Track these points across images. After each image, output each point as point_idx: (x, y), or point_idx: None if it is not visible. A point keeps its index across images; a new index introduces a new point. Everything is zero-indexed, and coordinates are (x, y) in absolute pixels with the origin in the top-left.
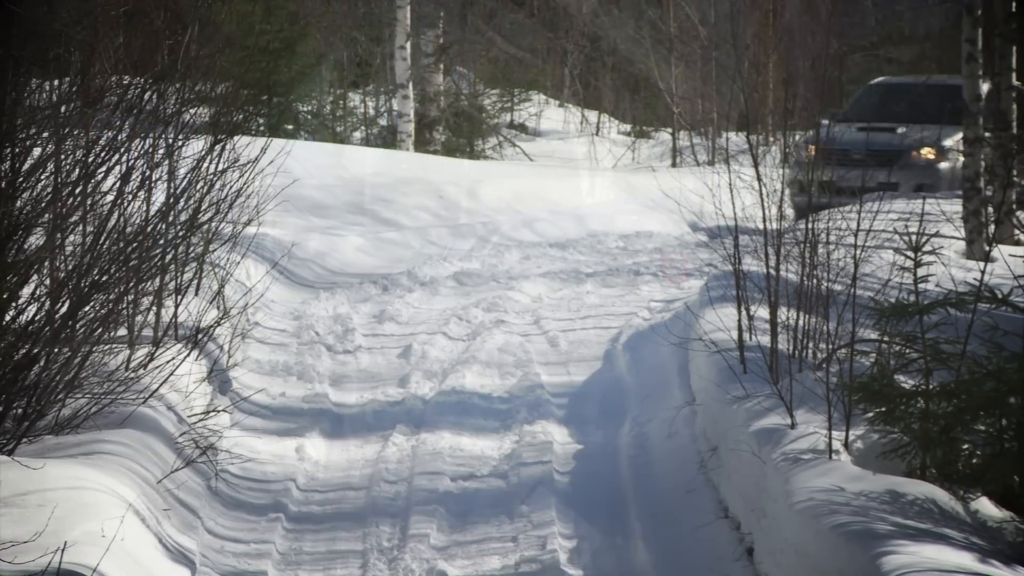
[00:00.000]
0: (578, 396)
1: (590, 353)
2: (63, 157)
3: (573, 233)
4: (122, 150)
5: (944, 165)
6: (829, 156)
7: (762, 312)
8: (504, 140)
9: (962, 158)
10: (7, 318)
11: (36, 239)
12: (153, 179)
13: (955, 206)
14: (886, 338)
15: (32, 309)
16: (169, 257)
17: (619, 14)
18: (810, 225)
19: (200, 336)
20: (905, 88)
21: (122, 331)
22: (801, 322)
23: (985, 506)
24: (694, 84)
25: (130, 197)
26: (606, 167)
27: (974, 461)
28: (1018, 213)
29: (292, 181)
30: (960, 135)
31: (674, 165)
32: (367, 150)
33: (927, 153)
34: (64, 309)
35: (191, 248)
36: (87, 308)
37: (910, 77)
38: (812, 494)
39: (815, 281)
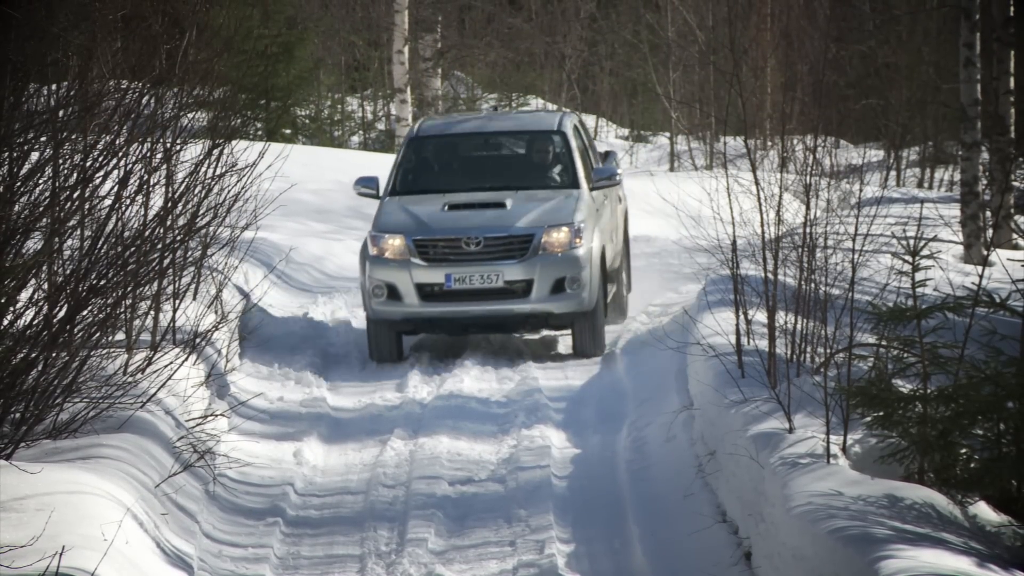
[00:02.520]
0: (576, 400)
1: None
2: (61, 161)
3: None
4: (120, 154)
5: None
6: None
7: (760, 316)
8: None
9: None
10: (5, 322)
11: (34, 243)
12: (151, 183)
13: (953, 210)
14: (884, 342)
15: (30, 313)
16: (167, 261)
17: (617, 18)
18: (808, 229)
19: (198, 340)
20: (471, 137)
21: (120, 335)
22: (799, 326)
23: (983, 510)
24: (692, 89)
25: (128, 201)
26: None
27: (972, 465)
28: (1016, 217)
29: (290, 185)
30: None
31: (672, 169)
32: (365, 154)
33: (563, 239)
34: (62, 313)
35: (189, 252)
36: (85, 312)
37: (464, 117)
38: (810, 498)
39: (813, 285)
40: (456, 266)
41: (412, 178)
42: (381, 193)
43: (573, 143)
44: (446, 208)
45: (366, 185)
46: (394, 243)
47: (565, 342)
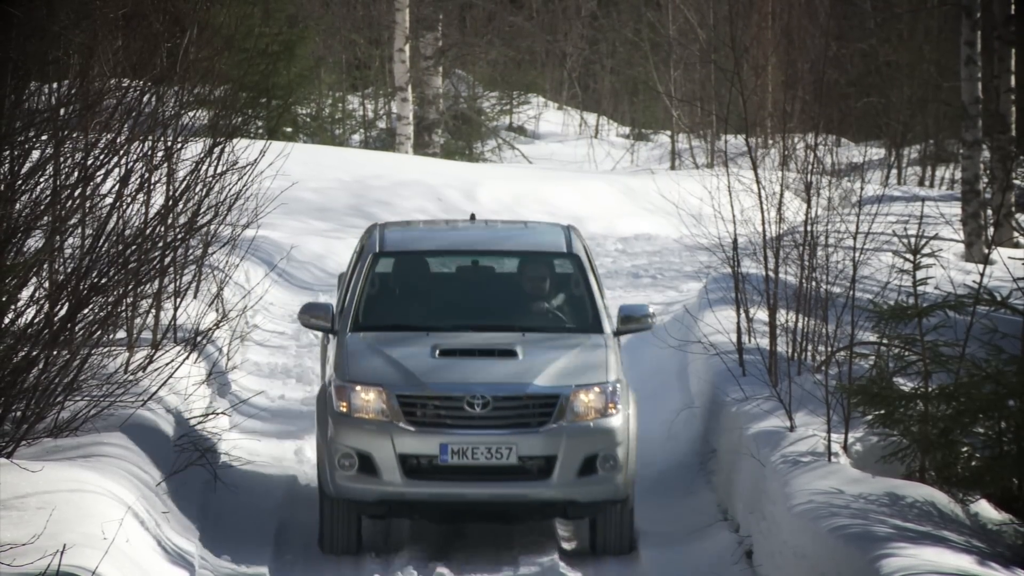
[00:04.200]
0: None
1: None
2: (62, 160)
3: None
4: (121, 153)
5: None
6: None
7: (761, 314)
8: (503, 143)
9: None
10: (6, 321)
11: (35, 241)
12: (152, 182)
13: (954, 208)
14: (885, 341)
15: (31, 312)
16: (168, 260)
17: (618, 16)
18: (809, 227)
19: (199, 339)
20: (456, 256)
21: (121, 334)
22: (800, 324)
23: (984, 508)
24: (693, 87)
25: (129, 200)
26: (605, 170)
27: (973, 464)
28: (1017, 216)
29: (291, 184)
30: None
31: (673, 168)
32: (366, 152)
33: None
34: (63, 312)
35: (190, 251)
36: (86, 311)
37: (435, 227)
38: (811, 496)
39: (814, 283)
40: (455, 434)
41: (381, 309)
42: (337, 325)
43: (590, 271)
44: (438, 354)
45: (316, 314)
46: (370, 398)
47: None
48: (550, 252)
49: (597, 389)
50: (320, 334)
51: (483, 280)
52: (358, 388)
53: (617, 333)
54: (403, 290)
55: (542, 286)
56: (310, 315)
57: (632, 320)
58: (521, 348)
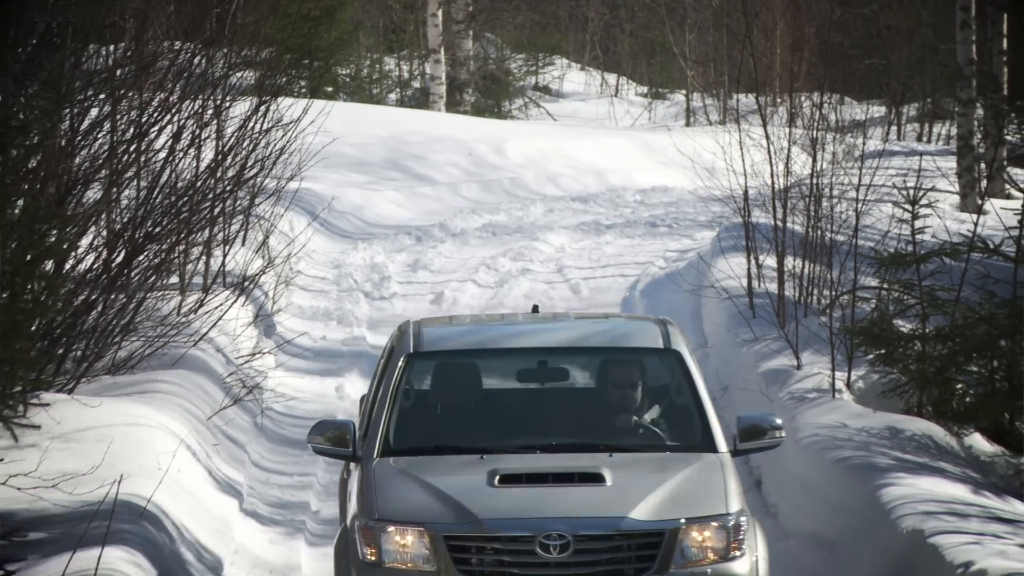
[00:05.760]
0: None
1: (609, 299)
2: (118, 117)
3: (593, 188)
4: (173, 111)
5: None
6: None
7: (770, 261)
8: (529, 101)
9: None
10: (67, 267)
11: (94, 193)
12: (202, 138)
13: (950, 162)
14: (885, 285)
15: (90, 258)
16: (217, 210)
17: None
18: (815, 180)
19: (246, 283)
20: (515, 355)
21: (174, 279)
22: (806, 270)
23: (978, 441)
24: (706, 49)
25: (181, 154)
26: (624, 126)
27: (967, 400)
28: (1008, 169)
29: (332, 140)
30: None
31: (688, 124)
32: (402, 110)
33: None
34: (120, 258)
35: (238, 202)
36: (141, 257)
37: (480, 324)
38: (817, 430)
39: (819, 232)
40: None
41: (419, 427)
42: (360, 450)
43: (696, 373)
44: (497, 481)
45: (331, 435)
46: (408, 542)
47: (588, 286)
48: (643, 349)
49: (715, 524)
50: (356, 280)
51: (553, 388)
52: (391, 529)
53: (736, 452)
54: (447, 402)
55: (633, 394)
56: (322, 436)
57: (757, 434)
58: (609, 471)
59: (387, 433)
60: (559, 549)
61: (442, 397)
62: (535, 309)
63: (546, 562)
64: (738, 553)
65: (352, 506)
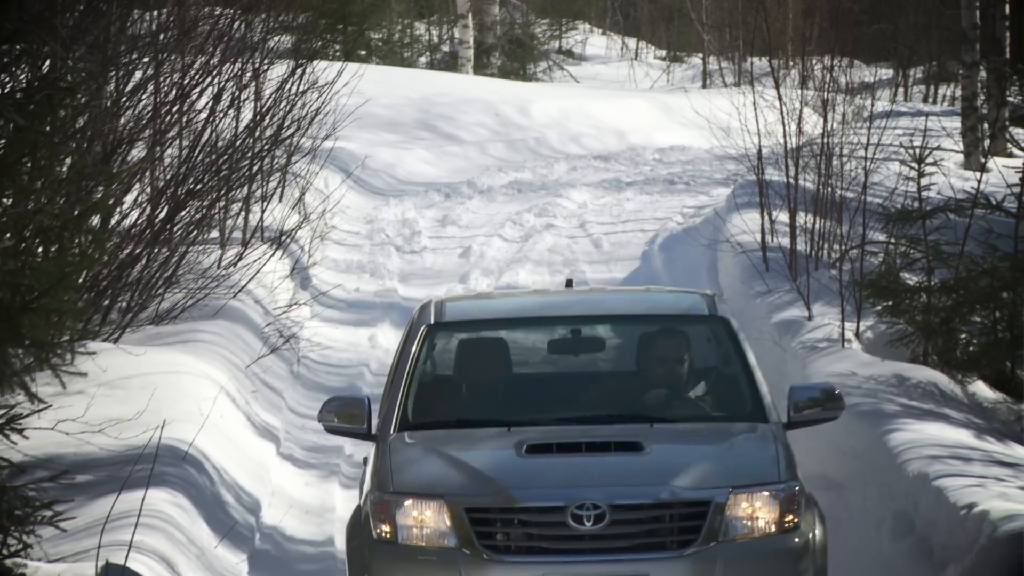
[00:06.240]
0: None
1: (629, 253)
2: (161, 80)
3: (614, 147)
4: (214, 73)
5: None
6: None
7: (782, 217)
8: (553, 64)
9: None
10: (113, 222)
11: (138, 152)
12: (241, 99)
13: (954, 123)
14: (893, 240)
15: (135, 214)
16: (256, 168)
17: None
18: (825, 139)
19: (283, 238)
20: (544, 323)
21: (214, 234)
22: (817, 226)
23: (981, 389)
24: (722, 14)
25: (221, 115)
26: (644, 88)
27: (971, 349)
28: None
29: (365, 101)
30: None
31: (704, 86)
32: (431, 73)
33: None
34: (163, 214)
35: (275, 160)
36: (183, 213)
37: (507, 295)
38: (827, 378)
39: (830, 189)
40: (555, 563)
41: (440, 401)
42: (376, 427)
43: (745, 342)
44: (524, 451)
45: (342, 412)
46: (427, 516)
47: (608, 240)
48: (687, 316)
49: (767, 493)
50: (387, 235)
51: (588, 360)
52: (408, 503)
53: (791, 425)
54: (471, 376)
55: (676, 364)
56: (334, 413)
57: (813, 404)
58: (648, 441)
59: (405, 408)
60: (593, 520)
61: (465, 370)
62: (569, 283)
63: (579, 534)
64: (792, 526)
65: (367, 487)
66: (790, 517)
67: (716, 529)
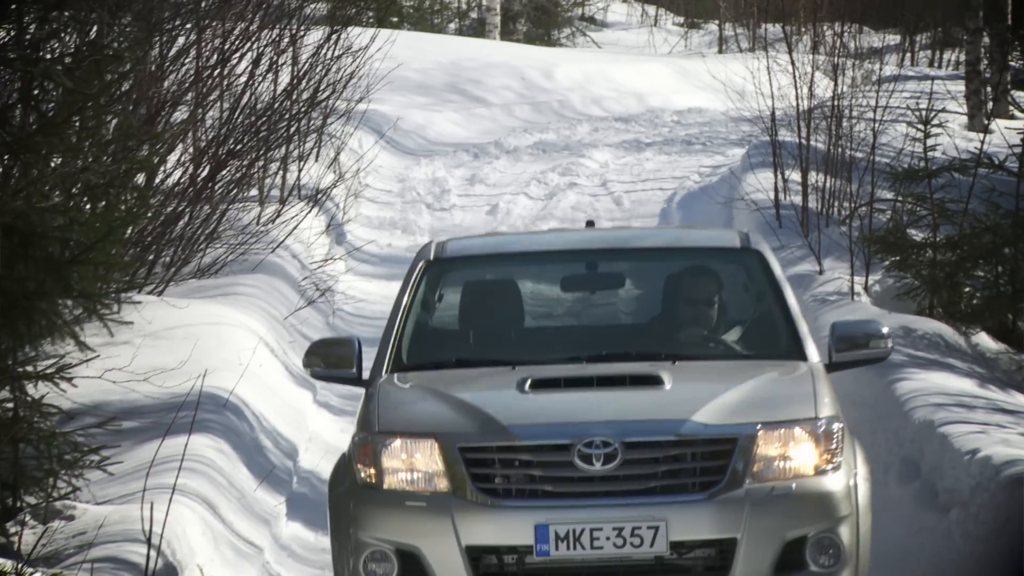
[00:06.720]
0: None
1: (648, 210)
2: (203, 45)
3: (635, 109)
4: (253, 39)
5: None
6: None
7: (795, 176)
8: (576, 31)
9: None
10: (157, 180)
11: (181, 114)
12: (279, 64)
13: (959, 86)
14: (900, 198)
15: (178, 173)
16: (293, 129)
17: None
18: (836, 102)
19: (319, 196)
20: (558, 257)
21: (253, 192)
22: (828, 184)
23: (984, 340)
24: None
25: (260, 79)
26: (663, 53)
27: (974, 302)
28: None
29: (397, 65)
30: None
31: (720, 51)
32: (460, 39)
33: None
34: (205, 173)
35: (311, 122)
36: (224, 172)
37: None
38: None
39: (840, 150)
40: (560, 507)
41: (438, 340)
42: (367, 372)
43: (781, 276)
44: (528, 387)
45: (329, 355)
46: (417, 458)
47: (629, 198)
48: (718, 249)
49: (801, 430)
50: (418, 193)
51: (605, 296)
52: (395, 443)
53: (832, 366)
54: (474, 314)
55: (705, 301)
56: (320, 357)
57: (857, 343)
58: (669, 376)
59: (398, 347)
60: (603, 459)
61: (467, 309)
62: (590, 224)
63: (587, 476)
64: (830, 467)
65: (354, 432)
66: (827, 457)
67: (743, 470)
